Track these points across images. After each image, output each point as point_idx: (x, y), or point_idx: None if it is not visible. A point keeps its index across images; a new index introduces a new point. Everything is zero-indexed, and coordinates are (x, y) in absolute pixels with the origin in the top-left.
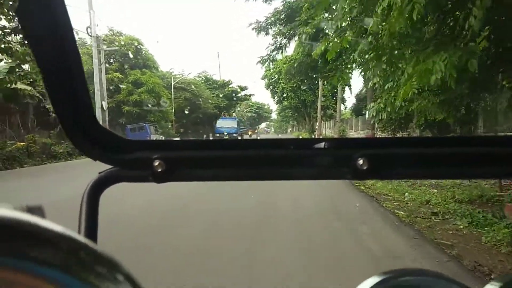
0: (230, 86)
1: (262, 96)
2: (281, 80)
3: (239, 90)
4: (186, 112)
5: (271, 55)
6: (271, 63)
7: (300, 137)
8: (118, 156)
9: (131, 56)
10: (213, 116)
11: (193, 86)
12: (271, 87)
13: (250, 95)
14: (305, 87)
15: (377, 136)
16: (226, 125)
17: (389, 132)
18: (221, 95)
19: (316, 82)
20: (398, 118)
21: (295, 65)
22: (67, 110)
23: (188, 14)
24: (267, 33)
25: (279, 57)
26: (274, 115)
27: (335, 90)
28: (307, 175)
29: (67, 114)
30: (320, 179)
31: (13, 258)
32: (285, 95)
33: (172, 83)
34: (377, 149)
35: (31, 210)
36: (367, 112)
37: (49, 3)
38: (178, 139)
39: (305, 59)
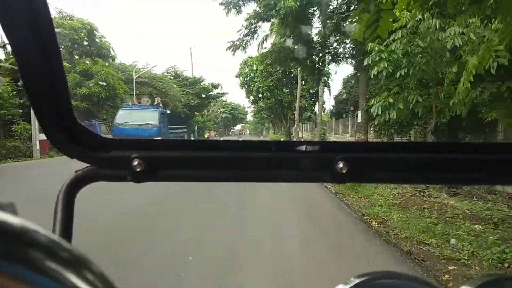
0: (202, 83)
1: (238, 96)
2: (257, 78)
3: (211, 87)
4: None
5: (244, 40)
6: (243, 51)
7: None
8: (96, 155)
9: (85, 43)
10: (182, 115)
11: (158, 82)
12: (246, 86)
13: (223, 94)
14: (283, 88)
15: (357, 140)
16: (134, 120)
17: (387, 138)
18: (192, 93)
19: (295, 81)
20: (401, 120)
21: (272, 55)
22: (45, 107)
23: (161, 7)
24: (239, 12)
25: (253, 44)
26: (249, 117)
27: (314, 91)
28: (288, 178)
29: (46, 111)
30: (300, 181)
31: None
32: (261, 94)
33: (134, 77)
34: (357, 153)
35: (2, 207)
36: (358, 113)
37: (30, 2)
38: (158, 138)
39: (285, 46)
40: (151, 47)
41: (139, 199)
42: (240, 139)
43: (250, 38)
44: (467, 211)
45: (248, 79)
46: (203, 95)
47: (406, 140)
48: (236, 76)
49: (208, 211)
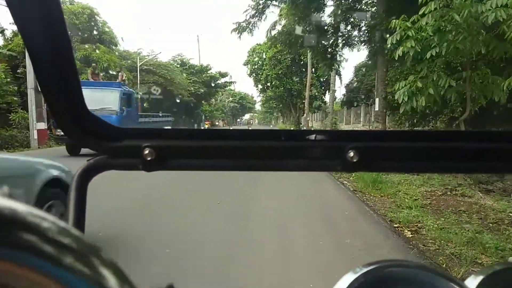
0: (209, 72)
1: (246, 85)
2: (265, 66)
3: (218, 76)
4: (154, 95)
5: (250, 22)
6: (250, 33)
7: None
8: (107, 144)
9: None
10: (189, 105)
11: (164, 69)
12: (254, 74)
13: (231, 82)
14: (293, 76)
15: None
16: (88, 103)
17: (409, 127)
18: (199, 81)
19: (304, 69)
20: (426, 108)
21: (282, 37)
22: (57, 98)
23: None
24: None
25: (262, 26)
26: (258, 106)
27: (324, 79)
28: (298, 167)
29: (58, 102)
30: (310, 170)
31: None
32: (269, 83)
33: (138, 64)
34: (368, 142)
35: (12, 195)
36: (376, 100)
37: None
38: (169, 127)
39: (295, 29)
40: (158, 35)
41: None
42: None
43: (258, 19)
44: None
45: (256, 67)
46: (212, 84)
47: (421, 129)
48: (244, 64)
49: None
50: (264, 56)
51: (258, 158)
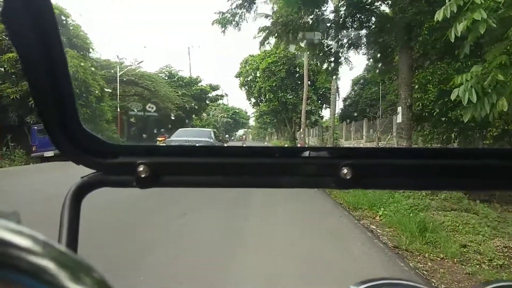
0: (199, 84)
1: (240, 101)
2: (259, 78)
3: (209, 89)
4: (135, 111)
5: (236, 13)
6: (236, 27)
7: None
8: (101, 160)
9: None
10: (178, 119)
11: (147, 80)
12: (246, 86)
13: (222, 96)
14: (287, 89)
15: (362, 146)
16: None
17: (448, 144)
18: (188, 94)
19: (300, 82)
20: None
21: (277, 29)
22: (51, 113)
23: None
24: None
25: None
26: (252, 121)
27: (321, 91)
28: (292, 184)
29: (52, 117)
30: (304, 187)
31: None
32: (263, 96)
33: (118, 75)
34: (362, 159)
35: (5, 216)
36: (398, 110)
37: (35, 5)
38: (163, 144)
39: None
40: (147, 47)
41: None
42: (244, 145)
43: (246, 10)
44: None
45: (249, 79)
46: (203, 96)
47: (416, 147)
48: (236, 76)
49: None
50: (257, 67)
51: (253, 175)
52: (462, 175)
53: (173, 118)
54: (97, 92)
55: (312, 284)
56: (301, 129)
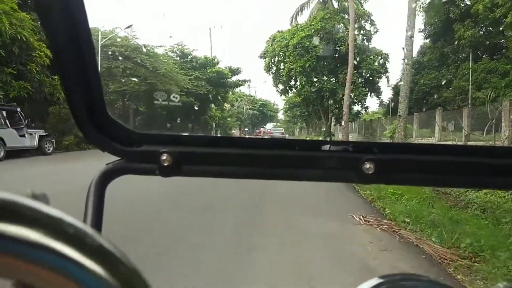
0: (216, 66)
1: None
2: (288, 58)
3: (227, 72)
4: (160, 101)
5: None
6: None
7: None
8: (126, 148)
9: None
10: (191, 108)
11: (143, 55)
12: (273, 70)
13: (244, 81)
14: (324, 70)
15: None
16: None
17: None
18: (202, 77)
19: (340, 63)
20: None
21: None
22: (79, 102)
23: None
24: None
25: None
26: (280, 115)
27: (367, 75)
28: (314, 177)
29: (80, 106)
30: (326, 181)
31: (13, 243)
32: (293, 81)
33: (100, 43)
34: (384, 154)
35: (36, 196)
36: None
37: None
38: (186, 134)
39: None
40: (167, 26)
41: None
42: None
43: None
44: None
45: (276, 60)
46: (221, 81)
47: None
48: (261, 57)
49: None
50: (287, 45)
51: (274, 167)
52: (488, 173)
53: (176, 101)
54: (44, 59)
55: None
56: (343, 122)
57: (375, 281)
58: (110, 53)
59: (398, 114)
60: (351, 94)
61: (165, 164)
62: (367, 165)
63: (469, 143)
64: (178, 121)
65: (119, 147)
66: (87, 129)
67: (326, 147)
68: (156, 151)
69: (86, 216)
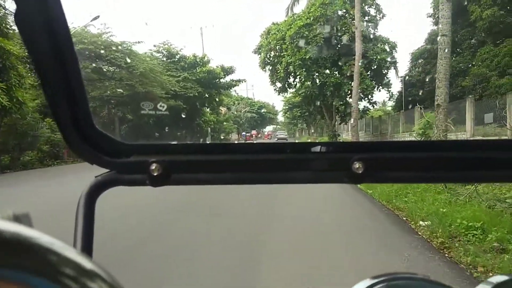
0: (206, 66)
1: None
2: (285, 51)
3: (219, 72)
4: (147, 110)
5: None
6: None
7: None
8: (115, 160)
9: None
10: (173, 113)
11: (115, 52)
12: (268, 66)
13: (239, 81)
14: (326, 63)
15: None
16: None
17: None
18: (191, 78)
19: (344, 52)
20: None
21: None
22: (64, 113)
23: None
24: None
25: None
26: (280, 117)
27: (374, 66)
28: (304, 179)
29: (65, 117)
30: (316, 183)
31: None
32: (292, 77)
33: None
34: (373, 153)
35: (17, 218)
36: None
37: (46, 7)
38: (175, 142)
39: None
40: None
41: None
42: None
43: None
44: None
45: (272, 55)
46: (213, 81)
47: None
48: (255, 52)
49: None
50: (283, 37)
51: (265, 171)
52: (474, 167)
53: (163, 110)
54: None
55: None
56: (352, 119)
57: (369, 281)
58: (83, 47)
59: (436, 103)
60: (362, 87)
61: (155, 174)
62: (356, 165)
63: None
64: (167, 130)
65: (107, 159)
66: (73, 142)
67: (316, 148)
68: (145, 161)
69: (76, 231)
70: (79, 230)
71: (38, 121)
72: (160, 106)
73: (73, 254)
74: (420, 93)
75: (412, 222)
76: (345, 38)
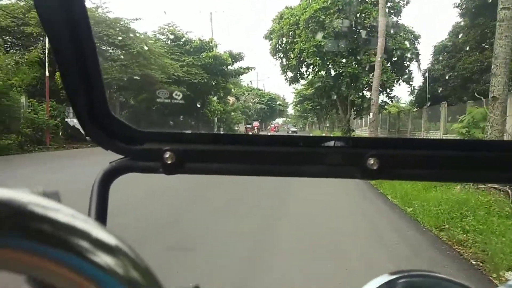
0: (213, 51)
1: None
2: (299, 37)
3: (227, 57)
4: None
5: None
6: None
7: None
8: (129, 146)
9: None
10: (175, 100)
11: (112, 30)
12: (280, 54)
13: (248, 68)
14: (343, 51)
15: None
16: None
17: None
18: (196, 64)
19: (363, 41)
20: None
21: None
22: (81, 100)
23: None
24: None
25: None
26: (291, 109)
27: (395, 58)
28: (316, 173)
29: (82, 104)
30: (329, 177)
31: (26, 240)
32: (305, 66)
33: None
34: (388, 150)
35: (47, 195)
36: None
37: None
38: (189, 131)
39: None
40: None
41: None
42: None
43: None
44: None
45: (284, 41)
46: (220, 68)
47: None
48: (266, 37)
49: None
50: (297, 22)
51: (277, 163)
52: (494, 168)
53: (162, 99)
54: None
55: None
56: (371, 113)
57: (385, 278)
58: None
59: (492, 95)
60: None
61: (169, 162)
62: (371, 161)
63: None
64: (169, 118)
65: (122, 145)
66: (90, 128)
67: (330, 143)
68: (159, 149)
69: (89, 216)
70: (92, 215)
71: (18, 101)
72: (162, 93)
73: (104, 232)
74: (441, 89)
75: (490, 271)
76: (365, 25)
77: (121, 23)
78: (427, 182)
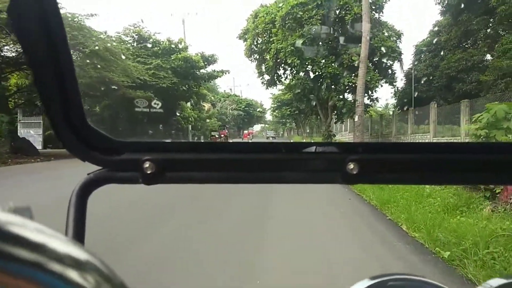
0: (183, 52)
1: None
2: (275, 37)
3: (199, 60)
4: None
5: None
6: None
7: None
8: (107, 157)
9: None
10: (153, 106)
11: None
12: (255, 55)
13: (222, 72)
14: (322, 50)
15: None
16: None
17: None
18: (165, 67)
19: (350, 37)
20: None
21: None
22: (57, 109)
23: None
24: None
25: None
26: (268, 115)
27: (377, 58)
28: (298, 179)
29: (57, 113)
30: (310, 183)
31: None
32: (281, 69)
33: None
34: (368, 154)
35: (18, 211)
36: None
37: (40, 3)
38: (168, 140)
39: None
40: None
41: None
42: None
43: None
44: None
45: (259, 42)
46: (192, 71)
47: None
48: (240, 37)
49: None
50: (273, 20)
51: (259, 171)
52: (470, 170)
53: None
54: None
55: None
56: (356, 116)
57: (367, 282)
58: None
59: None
60: (354, 81)
61: (148, 172)
62: (351, 166)
63: None
64: (138, 125)
65: (100, 156)
66: (67, 139)
67: (311, 148)
68: (138, 159)
69: (67, 229)
70: (70, 228)
71: None
72: (126, 97)
73: (74, 247)
74: (425, 89)
75: None
76: (346, 21)
77: (75, 19)
78: (407, 186)
